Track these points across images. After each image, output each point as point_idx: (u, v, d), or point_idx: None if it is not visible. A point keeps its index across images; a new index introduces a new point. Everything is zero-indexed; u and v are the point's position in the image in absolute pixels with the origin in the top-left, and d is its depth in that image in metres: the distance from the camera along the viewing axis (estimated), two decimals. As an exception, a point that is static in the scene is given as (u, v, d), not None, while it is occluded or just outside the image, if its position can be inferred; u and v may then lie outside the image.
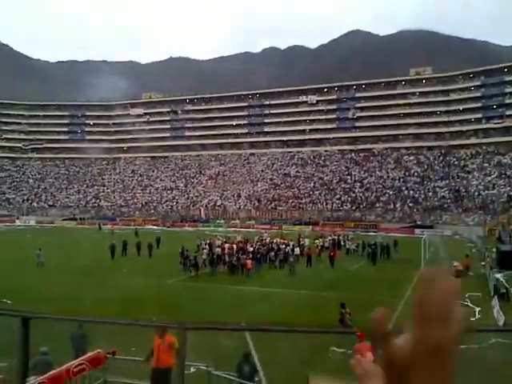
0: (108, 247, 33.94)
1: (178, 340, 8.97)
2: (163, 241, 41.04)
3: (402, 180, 72.67)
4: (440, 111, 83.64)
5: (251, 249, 31.88)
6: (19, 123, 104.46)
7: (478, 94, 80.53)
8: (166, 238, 44.89)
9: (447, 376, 0.63)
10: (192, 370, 9.13)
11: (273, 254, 32.02)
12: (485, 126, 79.17)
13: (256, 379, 9.34)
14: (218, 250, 31.74)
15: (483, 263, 29.15)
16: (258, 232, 52.76)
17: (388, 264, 31.76)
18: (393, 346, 0.66)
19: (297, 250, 33.10)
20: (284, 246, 33.78)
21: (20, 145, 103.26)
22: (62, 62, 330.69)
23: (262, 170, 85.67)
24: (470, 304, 19.15)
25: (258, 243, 35.22)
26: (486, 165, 71.19)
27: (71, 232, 60.28)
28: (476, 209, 60.78)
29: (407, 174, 74.27)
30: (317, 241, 38.50)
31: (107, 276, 26.76)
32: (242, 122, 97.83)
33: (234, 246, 33.38)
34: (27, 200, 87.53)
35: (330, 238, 41.31)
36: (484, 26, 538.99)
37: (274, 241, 36.63)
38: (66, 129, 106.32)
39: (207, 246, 32.93)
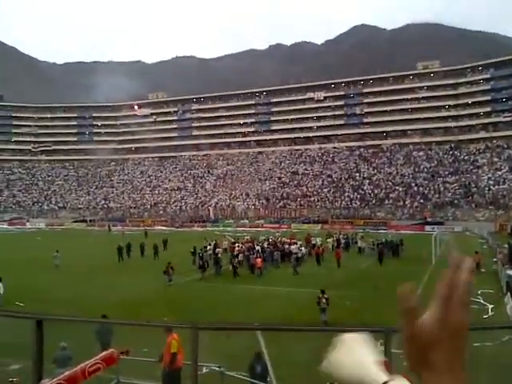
0: (116, 249, 34.06)
1: (178, 342, 9.08)
2: (172, 242, 41.07)
3: (411, 176, 72.20)
4: (449, 105, 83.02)
5: (258, 248, 31.91)
6: (28, 126, 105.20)
7: (487, 87, 79.79)
8: (175, 238, 44.99)
9: (463, 355, 0.69)
10: (204, 370, 9.13)
11: (277, 253, 31.77)
12: (494, 120, 78.44)
13: (268, 379, 9.35)
14: (222, 249, 31.87)
15: (495, 259, 28.91)
16: (267, 231, 52.74)
17: (398, 262, 31.49)
18: (418, 322, 0.69)
19: (303, 250, 32.40)
20: (288, 246, 33.55)
21: (29, 147, 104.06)
22: (69, 63, 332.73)
23: (270, 169, 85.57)
24: (482, 301, 18.99)
25: (266, 242, 35.14)
26: (496, 159, 70.51)
27: (81, 234, 60.62)
28: (486, 204, 60.21)
29: (416, 169, 73.77)
30: (329, 239, 38.32)
31: (119, 277, 26.88)
32: (249, 121, 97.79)
33: (242, 245, 33.33)
34: (37, 202, 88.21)
35: (336, 236, 40.60)
36: (493, 18, 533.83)
37: (279, 240, 36.43)
38: (74, 130, 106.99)
39: (211, 247, 32.80)
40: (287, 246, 33.44)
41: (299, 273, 27.63)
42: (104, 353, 3.69)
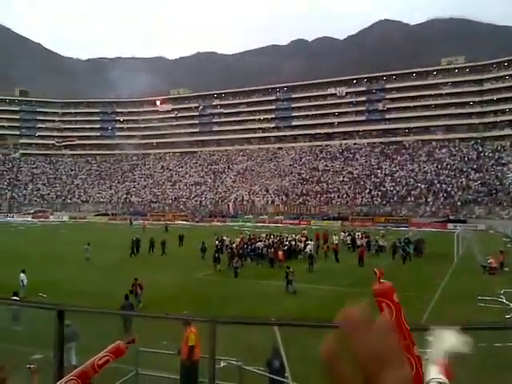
0: (133, 242, 33.90)
1: (196, 335, 9.15)
2: (189, 237, 40.89)
3: (434, 173, 71.13)
4: (473, 101, 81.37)
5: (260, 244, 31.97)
6: (53, 121, 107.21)
7: (513, 83, 77.92)
8: (193, 233, 45.07)
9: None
10: (222, 364, 9.16)
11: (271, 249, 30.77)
12: (520, 117, 76.66)
13: (286, 374, 9.33)
14: (235, 245, 31.67)
15: (519, 258, 28.26)
16: (286, 227, 52.62)
17: (419, 260, 30.99)
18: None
19: (311, 247, 30.70)
20: (294, 243, 33.05)
21: (53, 142, 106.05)
22: (92, 59, 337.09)
23: (290, 165, 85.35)
24: (505, 301, 18.64)
25: (276, 239, 34.69)
26: (522, 157, 68.94)
27: (104, 227, 61.47)
28: (511, 202, 58.99)
29: (439, 166, 72.63)
30: (348, 237, 37.64)
31: (141, 271, 27.09)
32: (269, 116, 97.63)
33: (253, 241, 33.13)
34: (60, 196, 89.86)
35: (354, 234, 39.00)
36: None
37: (290, 237, 35.22)
38: (97, 125, 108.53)
39: (219, 243, 32.47)
40: (294, 243, 33.06)
41: (313, 270, 27.13)
42: (111, 345, 3.76)
